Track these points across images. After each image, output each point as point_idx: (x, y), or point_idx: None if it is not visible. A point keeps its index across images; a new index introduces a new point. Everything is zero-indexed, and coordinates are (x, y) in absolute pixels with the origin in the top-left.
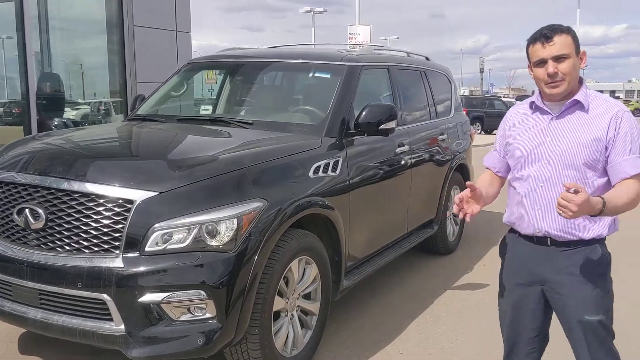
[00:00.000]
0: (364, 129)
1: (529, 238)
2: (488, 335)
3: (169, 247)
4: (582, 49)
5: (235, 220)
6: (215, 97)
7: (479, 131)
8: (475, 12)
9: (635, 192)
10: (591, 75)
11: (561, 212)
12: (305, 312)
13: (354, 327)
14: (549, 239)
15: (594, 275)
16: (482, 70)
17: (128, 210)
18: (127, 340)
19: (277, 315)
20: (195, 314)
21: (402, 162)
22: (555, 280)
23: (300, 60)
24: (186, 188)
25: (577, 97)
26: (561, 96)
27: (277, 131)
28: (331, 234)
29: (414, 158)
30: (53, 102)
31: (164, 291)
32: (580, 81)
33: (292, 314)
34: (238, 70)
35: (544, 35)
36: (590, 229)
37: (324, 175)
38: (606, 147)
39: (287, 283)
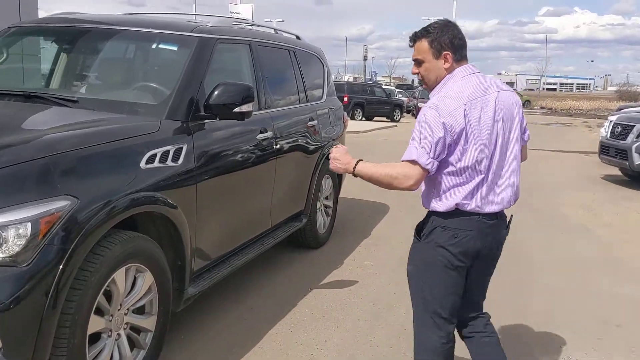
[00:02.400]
0: (215, 112)
1: None
2: (351, 341)
3: None
4: (445, 51)
5: (28, 225)
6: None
7: (360, 117)
8: (362, 1)
9: (390, 172)
10: None
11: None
12: (136, 329)
13: (204, 338)
14: None
15: (414, 239)
16: (365, 58)
17: None
18: None
19: (96, 337)
20: None
21: (264, 150)
22: None
23: (143, 29)
24: None
25: (430, 94)
26: (430, 91)
27: (108, 111)
28: (172, 235)
29: (278, 145)
30: None
31: None
32: (452, 76)
33: (117, 334)
34: (69, 38)
35: (410, 39)
36: (423, 200)
37: (161, 165)
38: None
39: (109, 297)
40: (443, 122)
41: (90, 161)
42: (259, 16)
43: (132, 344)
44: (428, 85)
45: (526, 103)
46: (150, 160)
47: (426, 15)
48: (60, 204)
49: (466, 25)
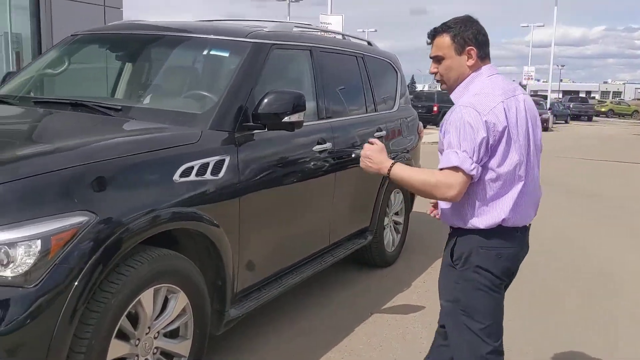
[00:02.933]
0: (264, 121)
1: None
2: None
3: None
4: (469, 46)
5: (38, 243)
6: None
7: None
8: (458, 10)
9: (429, 179)
10: (568, 75)
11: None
12: (168, 354)
13: None
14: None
15: (444, 265)
16: None
17: None
18: None
19: None
20: None
21: (322, 163)
22: None
23: (197, 35)
24: None
25: (451, 95)
26: (451, 92)
27: (151, 120)
28: (211, 253)
29: (338, 157)
30: None
31: None
32: (479, 74)
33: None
34: (126, 45)
35: (428, 35)
36: (447, 216)
37: (198, 179)
38: (442, 138)
39: (136, 320)
40: (485, 121)
41: (113, 174)
42: (351, 26)
43: None
44: (448, 85)
45: (634, 114)
46: (186, 173)
47: (525, 22)
48: (75, 220)
49: (571, 32)
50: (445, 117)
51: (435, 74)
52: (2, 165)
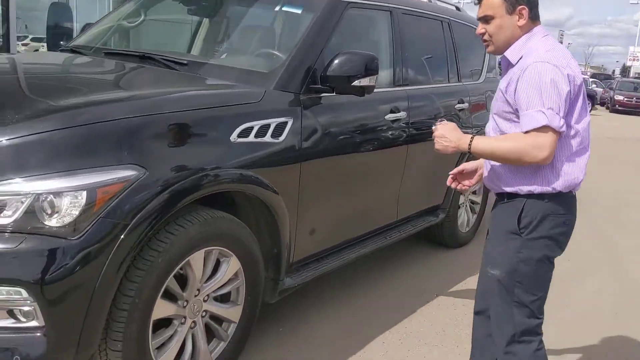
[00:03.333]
0: (332, 84)
1: None
2: None
3: None
4: (521, 5)
5: (83, 194)
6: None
7: None
8: None
9: (517, 145)
10: None
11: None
12: (217, 318)
13: (301, 336)
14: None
15: (502, 232)
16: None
17: None
18: None
19: (167, 322)
20: (20, 319)
21: (394, 133)
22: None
23: None
24: (20, 140)
25: (506, 53)
26: (498, 54)
27: (216, 77)
28: (267, 219)
29: (413, 128)
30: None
31: None
32: (533, 34)
33: (193, 322)
34: (199, 1)
35: None
36: (509, 181)
37: (257, 140)
38: (511, 101)
39: (185, 282)
40: (567, 74)
41: (168, 129)
42: None
43: (212, 335)
44: (495, 47)
45: None
46: (244, 133)
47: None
48: (124, 174)
49: None
50: (510, 77)
51: (482, 34)
52: (62, 111)
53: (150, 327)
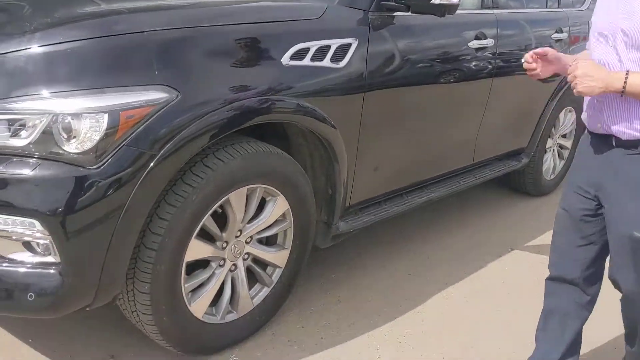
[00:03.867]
0: (408, 1)
1: (596, 136)
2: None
3: (5, 142)
4: None
5: (105, 118)
6: None
7: None
8: None
9: None
10: None
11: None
12: (261, 262)
13: (355, 283)
14: (613, 137)
15: None
16: None
17: None
18: None
19: (204, 263)
20: (38, 252)
21: (478, 63)
22: (611, 187)
23: None
24: (46, 50)
25: None
26: None
27: None
28: (322, 157)
29: (500, 59)
30: None
31: None
32: None
33: (233, 265)
34: None
35: None
36: None
37: (313, 64)
38: None
39: (225, 221)
40: None
41: (207, 46)
42: None
43: (255, 279)
44: None
45: None
46: (298, 55)
47: None
48: (153, 96)
49: None
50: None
51: None
52: (97, 17)
53: (183, 269)
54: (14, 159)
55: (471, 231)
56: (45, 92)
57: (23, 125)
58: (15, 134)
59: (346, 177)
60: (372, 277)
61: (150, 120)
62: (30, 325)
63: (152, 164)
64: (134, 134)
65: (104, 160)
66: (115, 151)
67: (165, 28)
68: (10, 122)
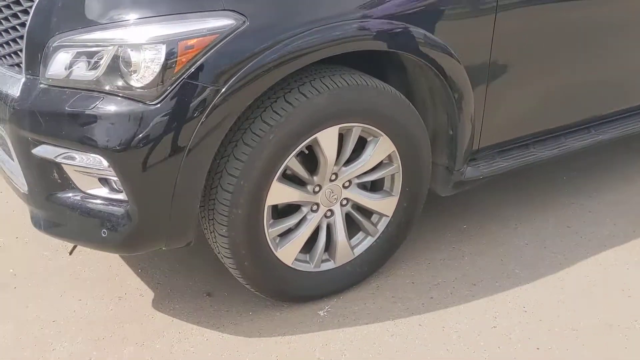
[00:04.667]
0: None
1: None
2: None
3: (74, 76)
4: None
5: (162, 48)
6: None
7: None
8: None
9: None
10: None
11: None
12: (364, 209)
13: (489, 236)
14: None
15: None
16: None
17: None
18: (30, 199)
19: (295, 209)
20: (112, 190)
21: None
22: None
23: None
24: None
25: None
26: None
27: None
28: (439, 92)
29: None
30: None
31: (59, 146)
32: None
33: (329, 211)
34: None
35: None
36: None
37: None
38: None
39: (316, 163)
40: None
41: None
42: None
43: (358, 228)
44: None
45: None
46: None
47: None
48: (215, 24)
49: None
50: None
51: None
52: None
53: (265, 213)
54: (82, 93)
55: (629, 193)
56: (108, 21)
57: (91, 57)
58: (86, 67)
59: (472, 116)
60: (512, 232)
61: (212, 50)
62: (142, 257)
63: (215, 100)
64: (194, 67)
65: (164, 96)
66: (175, 85)
67: None
68: (79, 55)
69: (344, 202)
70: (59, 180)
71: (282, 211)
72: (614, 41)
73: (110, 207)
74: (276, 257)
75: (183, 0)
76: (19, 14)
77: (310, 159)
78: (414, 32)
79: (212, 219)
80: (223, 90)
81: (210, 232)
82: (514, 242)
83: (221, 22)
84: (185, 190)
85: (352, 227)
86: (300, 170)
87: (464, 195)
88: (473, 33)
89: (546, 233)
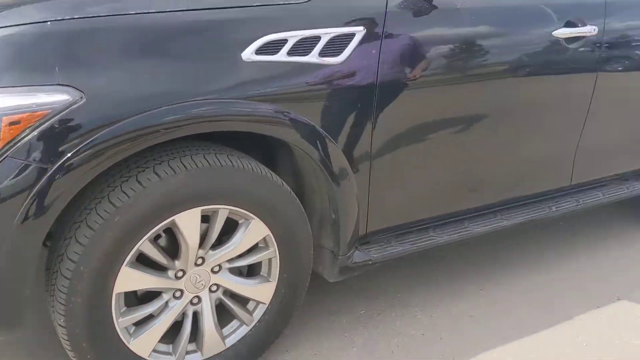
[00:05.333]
0: None
1: None
2: None
3: None
4: None
5: None
6: None
7: None
8: None
9: None
10: None
11: None
12: (237, 297)
13: (369, 335)
14: None
15: None
16: None
17: None
18: None
19: (156, 294)
20: None
21: (576, 61)
22: None
23: None
24: None
25: None
26: None
27: None
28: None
29: (606, 54)
30: None
31: None
32: None
33: (196, 297)
34: None
35: None
36: None
37: (295, 59)
38: None
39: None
40: None
41: (126, 34)
42: None
43: (231, 317)
44: None
45: None
46: (270, 48)
47: None
48: (47, 99)
49: None
50: None
51: None
52: None
53: (114, 301)
54: None
55: (572, 271)
56: None
57: None
58: None
59: (357, 200)
60: (410, 321)
61: (41, 127)
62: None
63: (43, 181)
64: (20, 143)
65: None
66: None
67: (70, 17)
68: None
69: (214, 287)
70: None
71: (145, 296)
72: (507, 130)
73: None
74: (128, 349)
75: (14, 73)
76: None
77: (176, 242)
78: (264, 111)
79: (53, 307)
80: (53, 170)
81: (53, 321)
82: (410, 333)
83: (54, 97)
84: (7, 275)
85: (226, 314)
86: (157, 255)
87: (373, 275)
88: (349, 117)
89: (444, 324)
